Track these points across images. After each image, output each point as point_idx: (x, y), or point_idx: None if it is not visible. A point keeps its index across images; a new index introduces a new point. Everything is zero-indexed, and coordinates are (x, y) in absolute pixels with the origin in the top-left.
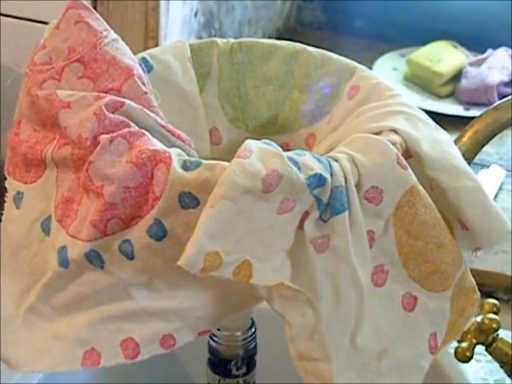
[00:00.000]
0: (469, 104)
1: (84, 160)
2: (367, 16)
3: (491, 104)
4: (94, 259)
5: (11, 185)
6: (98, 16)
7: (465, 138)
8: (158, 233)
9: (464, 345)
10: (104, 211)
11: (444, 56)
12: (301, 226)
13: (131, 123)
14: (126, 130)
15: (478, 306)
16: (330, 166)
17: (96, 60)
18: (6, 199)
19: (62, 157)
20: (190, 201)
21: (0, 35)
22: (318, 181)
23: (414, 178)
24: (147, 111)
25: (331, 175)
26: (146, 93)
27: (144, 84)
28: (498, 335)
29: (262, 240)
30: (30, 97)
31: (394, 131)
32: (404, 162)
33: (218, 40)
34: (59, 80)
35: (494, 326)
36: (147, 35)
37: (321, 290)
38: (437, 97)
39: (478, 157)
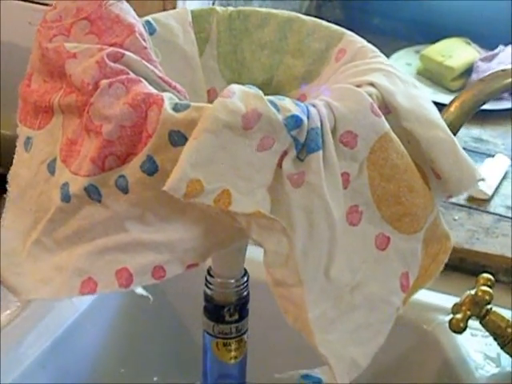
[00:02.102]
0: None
1: (87, 105)
2: (384, 14)
3: (501, 98)
4: (93, 193)
5: (22, 131)
6: None
7: (452, 108)
8: (151, 168)
9: (458, 316)
10: (102, 148)
11: (456, 52)
12: (279, 165)
13: (130, 72)
14: (124, 76)
15: (449, 252)
16: (308, 110)
17: (101, 18)
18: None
19: (67, 104)
20: (178, 139)
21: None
22: (295, 122)
23: (387, 126)
24: (146, 63)
25: (308, 118)
26: (145, 48)
27: (145, 40)
28: (491, 308)
29: (242, 175)
30: (41, 50)
31: (372, 85)
32: (378, 110)
33: (218, 8)
34: (68, 35)
35: (487, 298)
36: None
37: (296, 222)
38: (448, 90)
39: (485, 146)
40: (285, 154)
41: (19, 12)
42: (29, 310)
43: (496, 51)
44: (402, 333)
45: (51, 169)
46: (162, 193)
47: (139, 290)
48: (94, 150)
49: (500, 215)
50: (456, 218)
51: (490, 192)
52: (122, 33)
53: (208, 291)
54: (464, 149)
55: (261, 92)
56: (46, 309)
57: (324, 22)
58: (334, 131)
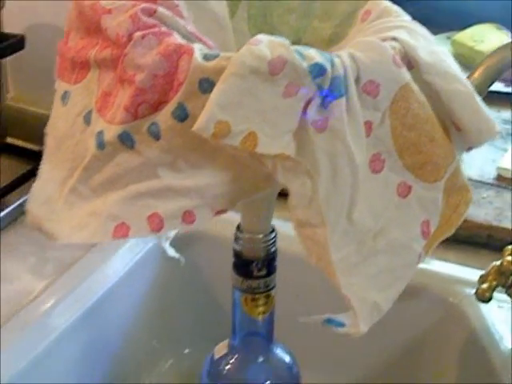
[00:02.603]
0: (509, 81)
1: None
2: (418, 2)
3: None
4: (126, 140)
5: (59, 86)
6: None
7: (476, 74)
8: (181, 115)
9: (484, 286)
10: (135, 96)
11: (487, 37)
12: (304, 111)
13: (162, 26)
14: (156, 28)
15: (469, 204)
16: (332, 60)
17: None
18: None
19: (103, 58)
20: (208, 86)
21: None
22: (319, 69)
23: (409, 77)
24: (177, 18)
25: (332, 66)
26: (177, 6)
27: None
28: None
29: (268, 119)
30: (78, 8)
31: (395, 40)
32: (399, 61)
33: None
34: None
35: None
36: None
37: (319, 166)
38: None
39: None
40: (309, 101)
41: None
42: (62, 279)
43: None
44: (429, 306)
45: (87, 120)
46: (193, 139)
47: (171, 253)
48: (128, 99)
49: None
50: (484, 196)
51: None
52: None
53: (237, 247)
54: None
55: (287, 41)
56: (78, 279)
57: None
58: (357, 80)
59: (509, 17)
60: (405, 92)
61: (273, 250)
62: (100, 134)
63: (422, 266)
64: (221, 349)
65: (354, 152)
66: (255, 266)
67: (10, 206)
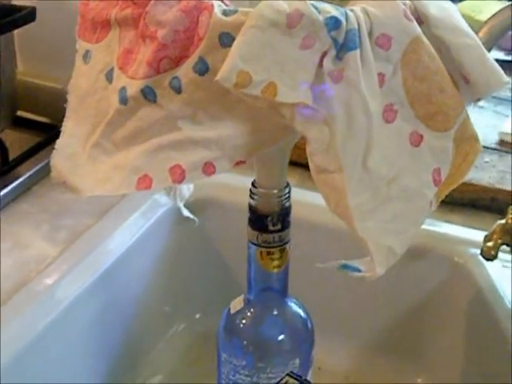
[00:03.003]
0: (509, 50)
1: (141, 17)
2: None
3: None
4: (149, 94)
5: (81, 46)
6: None
7: (480, 34)
8: (202, 68)
9: (489, 244)
10: (157, 52)
11: (486, 7)
12: (320, 64)
13: None
14: None
15: (478, 154)
16: (346, 14)
17: None
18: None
19: (123, 17)
20: (228, 40)
21: None
22: (334, 22)
23: (419, 30)
24: None
25: (346, 20)
26: None
27: None
28: None
29: (286, 70)
30: None
31: None
32: (410, 15)
33: None
34: None
35: None
36: None
37: (335, 114)
38: None
39: None
40: (325, 53)
41: None
42: (75, 245)
43: None
44: (435, 266)
45: (109, 77)
46: (213, 92)
47: (186, 213)
48: (150, 54)
49: None
50: (487, 160)
51: None
52: None
53: (252, 202)
54: (495, 97)
55: None
56: (91, 245)
57: None
58: (369, 34)
59: None
60: (416, 45)
61: (287, 204)
62: (123, 89)
63: (427, 227)
64: (236, 304)
65: (368, 101)
66: (270, 221)
67: (21, 176)
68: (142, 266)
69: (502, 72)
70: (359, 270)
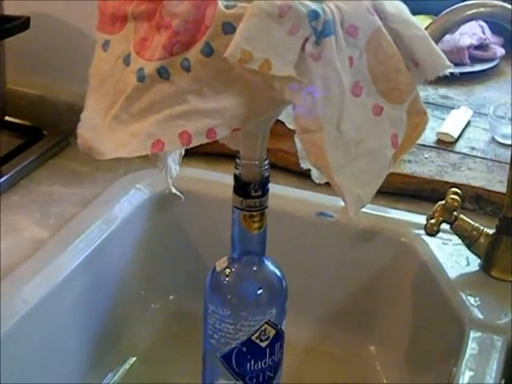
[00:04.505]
0: (464, 64)
1: (155, 11)
2: None
3: (464, 64)
4: (163, 73)
5: (100, 37)
6: None
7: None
8: (208, 51)
9: (432, 221)
10: (171, 38)
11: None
12: (303, 48)
13: None
14: None
15: (426, 124)
16: (323, 8)
17: None
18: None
19: (139, 11)
20: (229, 28)
21: None
22: (314, 14)
23: (380, 22)
24: None
25: (323, 13)
26: None
27: None
28: (459, 215)
29: (277, 52)
30: None
31: None
32: (372, 11)
33: None
34: None
35: (456, 204)
36: None
37: (316, 85)
38: None
39: (450, 102)
40: (307, 39)
41: None
42: (65, 229)
43: None
44: (384, 246)
45: (127, 61)
46: (216, 70)
47: (174, 190)
48: (165, 39)
49: (464, 154)
50: (427, 156)
51: (455, 135)
52: None
53: (237, 172)
54: (433, 104)
55: None
56: (79, 229)
57: None
58: (341, 24)
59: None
60: (377, 34)
61: (266, 174)
62: (140, 69)
63: (376, 212)
64: (221, 263)
65: (342, 76)
66: (252, 188)
67: (10, 171)
68: (122, 251)
69: (445, 57)
70: (332, 216)
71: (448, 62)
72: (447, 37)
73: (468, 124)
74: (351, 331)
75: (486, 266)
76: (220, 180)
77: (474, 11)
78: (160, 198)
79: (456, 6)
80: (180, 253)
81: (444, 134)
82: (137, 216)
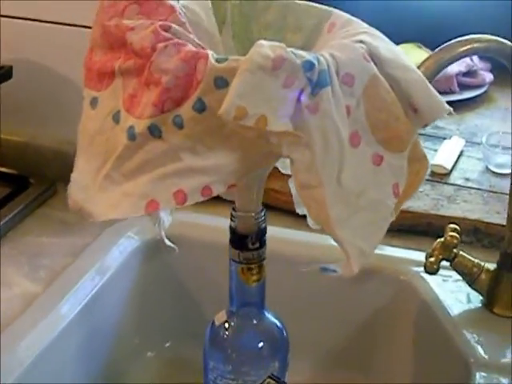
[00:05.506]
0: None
1: (144, 66)
2: None
3: (453, 92)
4: (154, 131)
5: (87, 94)
6: None
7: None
8: (200, 107)
9: (432, 259)
10: (161, 94)
11: (409, 55)
12: (298, 100)
13: (176, 39)
14: (175, 40)
15: (428, 170)
16: (317, 57)
17: (148, 1)
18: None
19: (127, 67)
20: (221, 83)
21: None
22: (309, 65)
23: (376, 69)
24: (187, 33)
25: (318, 63)
26: (184, 23)
27: (182, 17)
28: (459, 252)
29: (273, 105)
30: (102, 27)
31: (361, 42)
32: (368, 57)
33: None
34: (122, 16)
35: (455, 241)
36: None
37: (314, 139)
38: None
39: (442, 132)
40: (302, 90)
41: (36, 32)
42: (58, 282)
43: None
44: (384, 285)
45: (116, 119)
46: (210, 126)
47: (167, 242)
48: (155, 96)
49: (459, 185)
50: (421, 190)
51: (449, 167)
52: (165, 12)
53: (233, 224)
54: (424, 134)
55: (283, 44)
56: (71, 282)
57: (315, 4)
58: (337, 73)
59: (428, 36)
60: (374, 81)
61: (263, 225)
62: (131, 128)
63: None
64: (220, 317)
65: (340, 128)
66: (250, 240)
67: None
68: (116, 301)
69: (444, 102)
70: (335, 271)
71: (447, 106)
72: None
73: (461, 154)
74: (352, 372)
75: (488, 303)
76: (213, 224)
77: (468, 47)
78: (151, 245)
79: (450, 42)
80: (174, 299)
81: (437, 165)
82: (129, 264)
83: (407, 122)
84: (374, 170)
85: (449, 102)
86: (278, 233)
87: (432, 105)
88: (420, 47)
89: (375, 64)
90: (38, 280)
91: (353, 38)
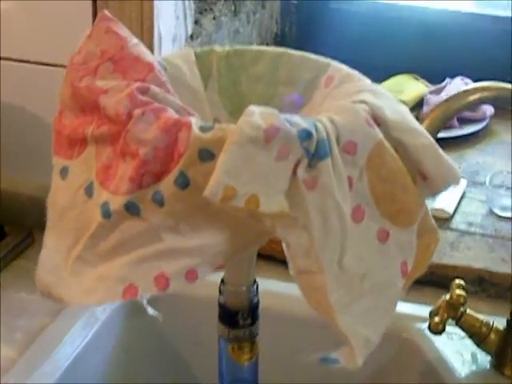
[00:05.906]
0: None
1: (119, 133)
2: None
3: (453, 127)
4: (132, 209)
5: (57, 162)
6: (122, 26)
7: (424, 125)
8: (183, 183)
9: (437, 319)
10: (139, 168)
11: (406, 87)
12: (294, 173)
13: (155, 102)
14: (153, 105)
15: (438, 243)
16: (315, 125)
17: (124, 58)
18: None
19: (100, 134)
20: (207, 155)
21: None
22: (306, 134)
23: (381, 135)
24: (167, 94)
25: (316, 131)
26: (164, 82)
27: (163, 76)
28: (466, 310)
29: (265, 182)
30: (72, 88)
31: (363, 102)
32: (371, 122)
33: (217, 47)
34: (95, 75)
35: (462, 300)
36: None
37: (313, 219)
38: None
39: None
40: (298, 162)
41: (17, 73)
42: (36, 345)
43: (443, 84)
44: (385, 343)
45: (89, 192)
46: (194, 204)
47: (150, 311)
48: (132, 170)
49: (462, 231)
50: None
51: (451, 211)
52: (143, 70)
53: (221, 299)
54: None
55: (276, 111)
56: (50, 344)
57: (311, 55)
58: (337, 141)
59: (424, 66)
60: (379, 148)
61: (255, 300)
62: (105, 204)
63: None
64: None
65: (342, 205)
66: (240, 316)
67: None
68: (100, 361)
69: (456, 167)
70: (338, 361)
71: (459, 173)
72: (433, 99)
73: (463, 196)
74: None
75: (498, 364)
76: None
77: (477, 96)
78: (135, 302)
79: (457, 92)
80: (160, 356)
81: (438, 210)
82: (113, 322)
83: (416, 192)
84: (380, 248)
85: (448, 138)
86: (273, 286)
87: (443, 172)
88: (417, 79)
89: (378, 125)
90: (14, 343)
91: (354, 98)
